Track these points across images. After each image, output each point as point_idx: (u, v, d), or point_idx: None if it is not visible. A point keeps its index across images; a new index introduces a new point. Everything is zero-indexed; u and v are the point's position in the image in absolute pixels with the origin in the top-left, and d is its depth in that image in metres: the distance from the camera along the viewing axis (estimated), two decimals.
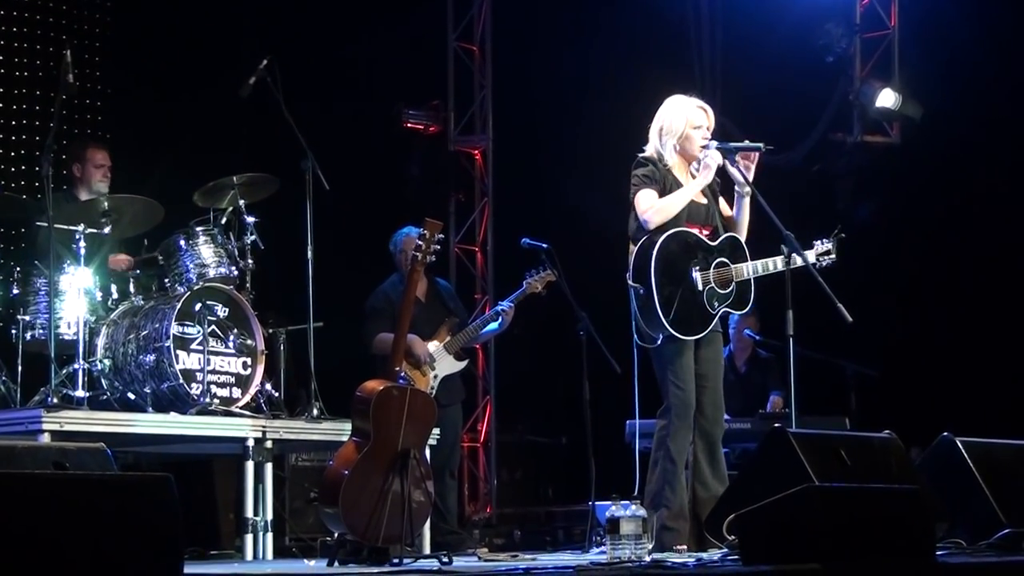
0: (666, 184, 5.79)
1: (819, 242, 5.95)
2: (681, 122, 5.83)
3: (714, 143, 5.83)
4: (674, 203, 5.75)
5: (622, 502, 4.98)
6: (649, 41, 9.60)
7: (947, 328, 9.14)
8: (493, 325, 7.45)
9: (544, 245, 7.17)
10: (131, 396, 6.45)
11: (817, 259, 5.91)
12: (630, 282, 5.69)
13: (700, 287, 5.71)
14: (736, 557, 4.42)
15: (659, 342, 5.69)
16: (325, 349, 6.85)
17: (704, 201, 5.89)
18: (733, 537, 4.60)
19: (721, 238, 5.85)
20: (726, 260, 5.81)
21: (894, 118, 9.52)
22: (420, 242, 5.79)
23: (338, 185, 7.02)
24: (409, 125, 10.53)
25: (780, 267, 5.79)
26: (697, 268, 5.73)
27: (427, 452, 5.99)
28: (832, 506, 4.15)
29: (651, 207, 5.72)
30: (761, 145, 5.88)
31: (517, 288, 7.41)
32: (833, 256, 5.93)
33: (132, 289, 6.72)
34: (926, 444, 5.76)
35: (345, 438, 5.83)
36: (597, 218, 6.54)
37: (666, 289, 5.64)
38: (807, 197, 8.90)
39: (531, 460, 10.46)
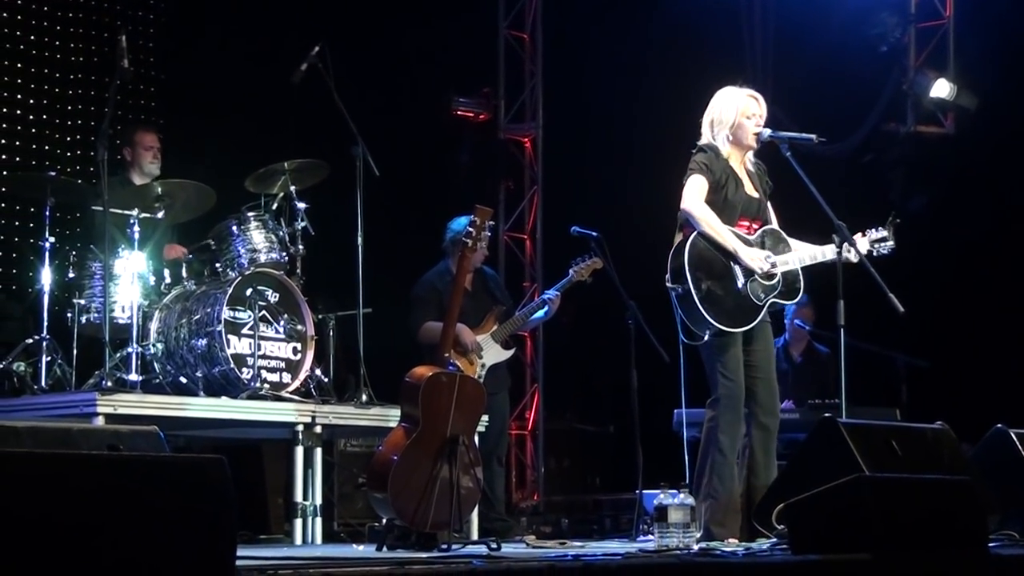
0: (722, 175, 5.74)
1: (873, 230, 5.91)
2: (732, 111, 5.79)
3: (767, 131, 5.79)
4: (717, 233, 5.63)
5: (670, 490, 4.98)
6: (701, 30, 9.55)
7: (1000, 319, 9.04)
8: (539, 313, 7.44)
9: (594, 233, 7.16)
10: (183, 380, 6.50)
11: (871, 247, 5.86)
12: (668, 284, 5.64)
13: (742, 279, 5.67)
14: (785, 547, 4.41)
15: (706, 338, 5.65)
16: (374, 335, 6.88)
17: (757, 195, 5.85)
18: (782, 526, 4.59)
19: (759, 231, 5.80)
20: (767, 252, 5.75)
21: (948, 108, 9.42)
22: (471, 229, 5.79)
23: (388, 172, 7.03)
24: (459, 113, 10.53)
25: (829, 256, 5.74)
26: (734, 261, 5.67)
27: (476, 439, 6.01)
28: (883, 496, 4.13)
29: (698, 205, 5.63)
30: (813, 136, 5.84)
31: (563, 276, 7.39)
32: (891, 243, 5.89)
33: (184, 274, 6.77)
34: (978, 436, 5.72)
35: (394, 424, 5.89)
36: (648, 206, 6.52)
37: (704, 284, 5.60)
38: (858, 188, 8.82)
39: (578, 448, 10.45)
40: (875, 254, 5.85)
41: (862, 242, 5.84)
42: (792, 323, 8.65)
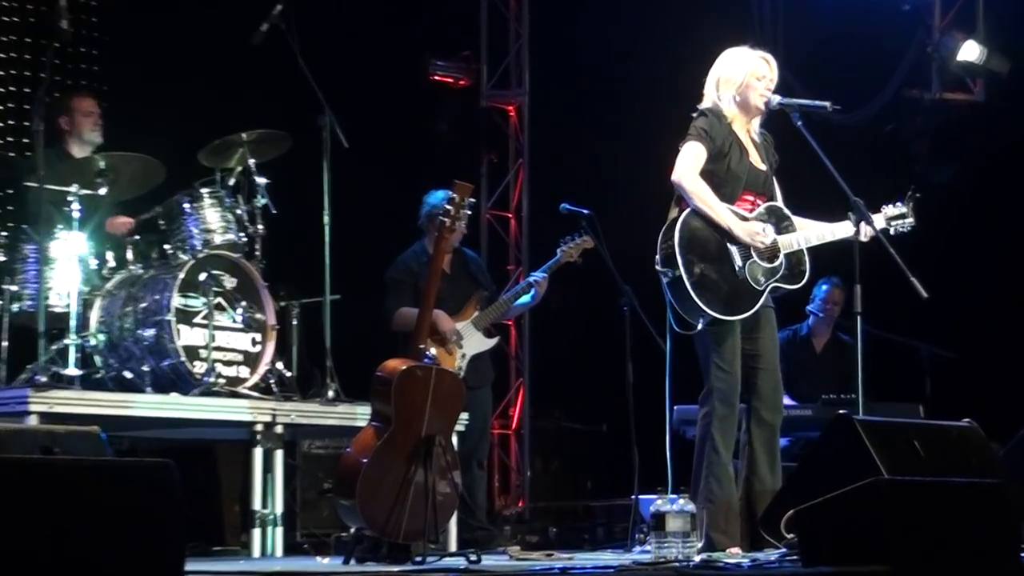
0: (724, 142, 5.72)
1: (890, 206, 5.91)
2: (741, 71, 5.78)
3: (776, 97, 5.78)
4: (711, 208, 5.61)
5: (669, 496, 4.98)
6: None
7: None
8: (525, 298, 7.45)
9: (585, 212, 7.15)
10: (128, 375, 6.47)
11: (888, 224, 5.87)
12: (658, 268, 5.63)
13: (740, 262, 5.66)
14: (795, 558, 4.41)
15: (700, 327, 5.64)
16: (342, 324, 6.87)
17: (763, 167, 5.84)
18: (792, 535, 4.59)
19: (759, 209, 5.78)
20: (766, 226, 5.73)
21: (978, 73, 9.40)
22: (449, 207, 5.78)
23: (358, 144, 7.02)
24: (437, 78, 10.49)
25: (839, 235, 5.75)
26: (731, 240, 5.66)
27: (454, 439, 6.02)
28: (903, 502, 4.12)
29: (691, 177, 5.61)
30: (827, 104, 5.83)
31: (551, 257, 7.40)
32: (911, 220, 5.90)
33: (130, 256, 6.74)
34: (1010, 436, 5.72)
35: (363, 423, 5.88)
36: (645, 180, 6.50)
37: (696, 268, 5.59)
38: (878, 161, 8.83)
39: (568, 449, 10.44)
40: (893, 233, 5.85)
41: (878, 219, 5.83)
42: (823, 305, 8.60)
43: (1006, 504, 4.46)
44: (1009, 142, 9.23)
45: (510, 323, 9.92)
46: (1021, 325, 9.02)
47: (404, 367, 5.51)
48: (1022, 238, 9.17)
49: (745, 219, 5.71)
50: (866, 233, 5.70)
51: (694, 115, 5.78)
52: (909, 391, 8.40)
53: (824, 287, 8.42)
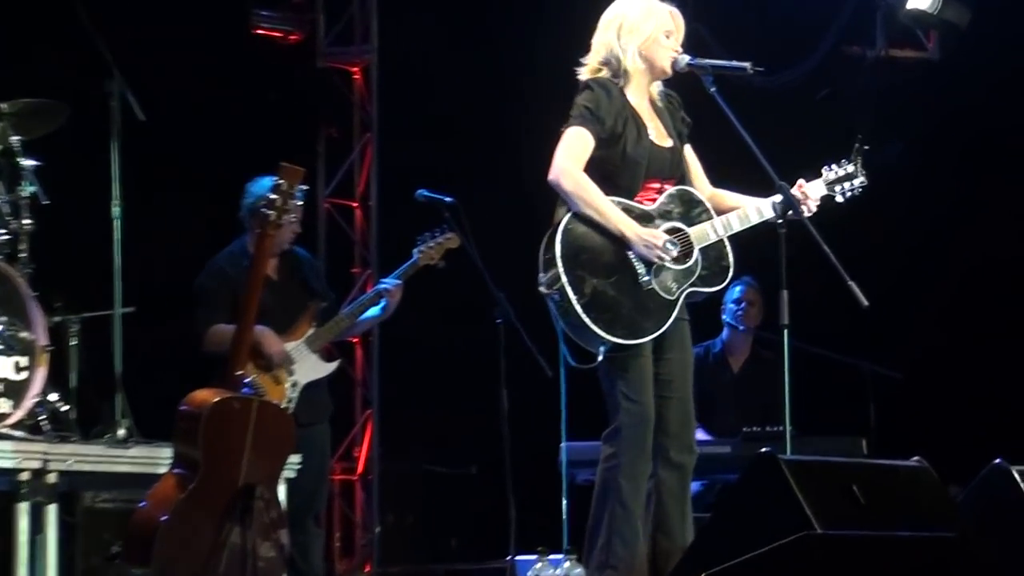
0: (617, 120, 5.72)
1: (833, 167, 5.97)
2: (650, 22, 5.80)
3: (685, 57, 5.81)
4: (598, 210, 5.62)
5: (550, 557, 4.97)
6: None
7: (1002, 313, 9.21)
8: (375, 310, 7.44)
9: (448, 199, 7.18)
10: None
11: (831, 190, 5.93)
12: (541, 288, 5.63)
13: (643, 269, 5.65)
14: None
15: (600, 356, 5.64)
16: (137, 345, 6.84)
17: (669, 143, 5.85)
18: None
19: (663, 196, 5.78)
20: (678, 224, 5.75)
21: (931, 25, 9.57)
22: (274, 196, 5.75)
23: (158, 116, 6.95)
24: (261, 32, 10.45)
25: (766, 216, 5.77)
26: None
27: (281, 489, 5.99)
28: (839, 561, 4.16)
29: (570, 173, 5.63)
30: (747, 64, 5.87)
31: (407, 259, 7.38)
32: (861, 179, 5.97)
33: None
34: (970, 476, 5.79)
35: (164, 469, 5.87)
36: (527, 161, 6.49)
37: (587, 286, 5.58)
38: (811, 131, 8.91)
39: (428, 499, 10.46)
40: (841, 199, 5.93)
41: (817, 186, 5.90)
42: (737, 310, 8.66)
43: (965, 560, 4.51)
44: (967, 108, 9.38)
45: (355, 341, 9.93)
46: (984, 338, 9.18)
47: (217, 399, 5.52)
48: (982, 229, 9.34)
49: (648, 217, 5.72)
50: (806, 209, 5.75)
51: (579, 89, 5.77)
52: (849, 421, 8.48)
53: (737, 288, 8.48)
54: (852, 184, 5.97)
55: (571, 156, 5.67)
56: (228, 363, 5.79)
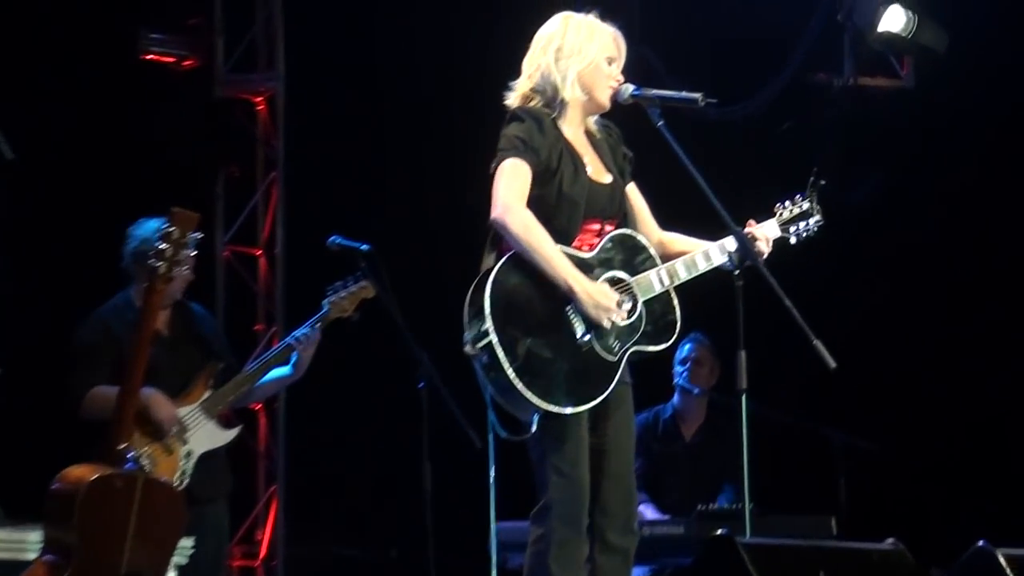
0: (551, 154, 5.70)
1: (787, 204, 6.01)
2: (592, 46, 5.78)
3: (629, 87, 5.80)
4: (544, 257, 5.55)
5: None
6: None
7: (984, 373, 9.28)
8: (283, 369, 7.40)
9: (364, 247, 7.19)
10: None
11: (785, 232, 5.95)
12: (467, 348, 5.56)
13: (582, 328, 5.60)
14: None
15: (533, 427, 5.59)
16: (3, 412, 6.88)
17: (608, 180, 5.82)
18: None
19: (603, 241, 5.74)
20: (619, 274, 5.73)
21: (905, 50, 9.65)
22: (164, 245, 5.75)
23: (30, 154, 6.95)
24: (152, 57, 10.44)
25: (716, 262, 5.75)
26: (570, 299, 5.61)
27: None
28: None
29: (515, 211, 5.56)
30: (699, 96, 5.85)
31: (317, 311, 7.37)
32: (816, 218, 5.99)
33: None
34: (951, 558, 5.85)
35: (33, 556, 5.82)
36: (452, 202, 6.55)
37: (520, 346, 5.51)
38: (772, 169, 8.96)
39: None
40: (795, 241, 5.97)
41: (769, 226, 5.92)
42: (687, 371, 8.68)
43: None
44: (946, 142, 9.47)
45: (257, 408, 9.92)
46: (967, 401, 9.25)
47: (95, 476, 5.48)
48: (964, 274, 9.41)
49: (588, 266, 5.66)
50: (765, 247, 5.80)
51: (506, 120, 5.75)
52: (816, 497, 8.54)
53: (687, 346, 8.52)
54: (808, 224, 6.00)
55: (514, 191, 5.60)
56: (110, 432, 5.76)
